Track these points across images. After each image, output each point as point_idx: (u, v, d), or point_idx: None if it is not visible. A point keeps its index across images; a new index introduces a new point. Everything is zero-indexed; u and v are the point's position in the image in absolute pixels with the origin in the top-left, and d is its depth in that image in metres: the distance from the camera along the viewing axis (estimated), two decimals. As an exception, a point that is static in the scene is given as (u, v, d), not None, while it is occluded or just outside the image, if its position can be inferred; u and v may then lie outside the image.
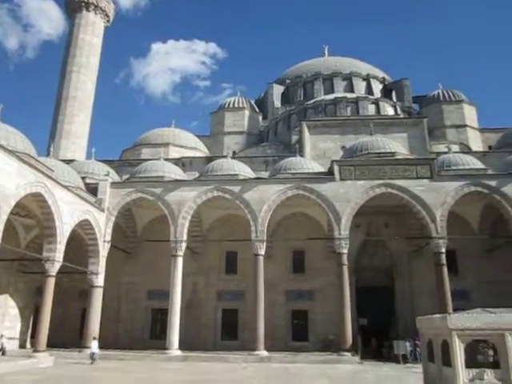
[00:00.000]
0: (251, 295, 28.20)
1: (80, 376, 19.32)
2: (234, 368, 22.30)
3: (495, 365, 11.47)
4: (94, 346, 24.02)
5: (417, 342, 24.04)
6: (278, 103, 52.72)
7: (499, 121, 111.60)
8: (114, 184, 30.27)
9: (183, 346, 27.34)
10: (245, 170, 31.83)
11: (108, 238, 29.07)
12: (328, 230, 30.30)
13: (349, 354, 25.59)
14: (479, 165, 30.65)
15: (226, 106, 51.55)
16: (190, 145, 44.69)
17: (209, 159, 38.09)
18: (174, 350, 26.43)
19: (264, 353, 25.99)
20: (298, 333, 30.97)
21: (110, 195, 29.41)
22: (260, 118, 51.97)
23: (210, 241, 32.25)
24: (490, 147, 44.35)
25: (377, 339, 28.75)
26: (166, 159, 35.61)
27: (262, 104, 54.62)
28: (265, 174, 33.32)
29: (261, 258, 27.69)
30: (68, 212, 24.84)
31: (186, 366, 23.23)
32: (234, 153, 43.96)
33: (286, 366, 23.57)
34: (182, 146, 43.54)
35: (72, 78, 53.78)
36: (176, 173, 32.63)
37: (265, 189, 28.63)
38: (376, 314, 30.23)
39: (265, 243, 27.94)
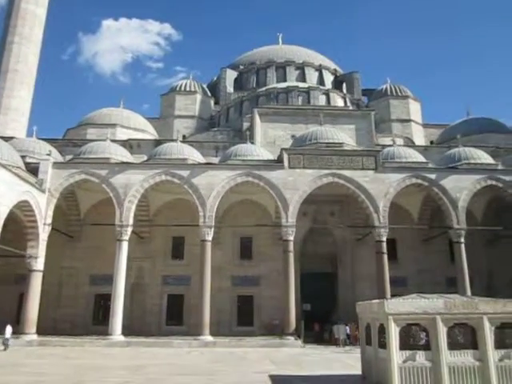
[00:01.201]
0: (197, 280, 28.16)
1: (12, 363, 18.52)
2: (178, 353, 22.25)
3: (427, 347, 12.17)
4: (8, 331, 23.13)
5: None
6: (230, 89, 52.34)
7: (441, 117, 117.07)
8: (56, 164, 28.94)
9: (127, 331, 26.94)
10: (194, 155, 31.47)
11: (49, 220, 27.84)
12: (276, 217, 30.72)
13: (292, 338, 26.27)
14: (421, 158, 32.07)
15: (178, 88, 50.51)
16: (139, 127, 43.51)
17: (158, 142, 37.29)
18: (117, 336, 25.96)
19: (209, 338, 26.14)
20: (244, 318, 31.38)
21: (51, 176, 28.10)
22: (212, 102, 51.43)
23: (157, 225, 31.74)
24: (431, 142, 46.57)
25: (319, 324, 29.65)
26: (113, 140, 34.47)
27: (215, 89, 54.04)
28: (215, 160, 33.15)
29: (208, 244, 27.66)
30: (5, 192, 23.50)
31: (129, 352, 22.90)
32: (184, 137, 43.32)
33: (231, 350, 23.83)
34: (130, 128, 42.31)
35: (13, 50, 50.41)
36: (123, 155, 31.72)
37: (214, 174, 28.49)
38: (320, 300, 31.21)
39: (213, 229, 27.90)
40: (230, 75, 53.36)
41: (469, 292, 26.70)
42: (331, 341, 27.33)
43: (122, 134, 40.40)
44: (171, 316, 31.47)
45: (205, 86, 53.84)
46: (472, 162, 31.31)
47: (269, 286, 31.33)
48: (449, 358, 11.96)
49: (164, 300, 31.82)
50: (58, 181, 28.14)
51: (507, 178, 29.84)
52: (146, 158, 32.41)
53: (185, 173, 28.43)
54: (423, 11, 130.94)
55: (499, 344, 12.30)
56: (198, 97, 49.98)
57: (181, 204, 31.16)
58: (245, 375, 15.11)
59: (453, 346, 12.16)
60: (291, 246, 28.00)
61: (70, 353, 21.84)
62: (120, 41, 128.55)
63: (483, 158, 32.07)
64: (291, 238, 27.98)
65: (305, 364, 18.58)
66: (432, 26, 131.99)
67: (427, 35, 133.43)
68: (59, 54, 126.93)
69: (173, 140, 34.97)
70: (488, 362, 12.03)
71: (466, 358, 12.11)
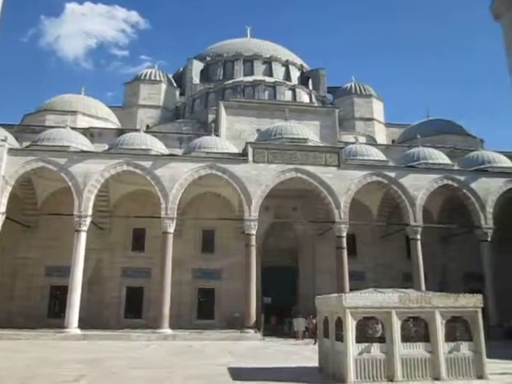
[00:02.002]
0: (158, 273, 27.85)
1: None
2: (136, 346, 21.96)
3: (381, 339, 12.57)
4: None
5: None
6: (196, 80, 51.76)
7: (403, 117, 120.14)
8: (12, 151, 27.73)
9: (84, 324, 26.30)
10: (158, 146, 30.98)
11: (2, 209, 26.69)
12: (239, 210, 30.76)
13: (252, 331, 26.48)
14: (382, 157, 32.87)
15: (142, 77, 49.46)
16: (101, 115, 42.39)
17: (120, 131, 36.49)
18: (73, 329, 25.32)
19: (168, 331, 25.95)
20: (204, 311, 31.36)
21: (6, 163, 26.90)
22: (177, 93, 50.69)
23: (117, 216, 31.11)
24: (393, 141, 47.82)
25: (279, 317, 29.97)
26: (73, 128, 33.45)
27: (181, 79, 53.27)
28: (179, 151, 32.76)
29: (170, 236, 27.38)
30: (-45, 178, 22.35)
31: (86, 345, 22.42)
32: (147, 127, 42.51)
33: (191, 343, 23.77)
34: (91, 116, 41.17)
35: (-34, 29, 47.92)
36: (83, 143, 30.80)
37: (178, 166, 28.17)
38: (280, 293, 31.58)
39: (175, 221, 27.62)
40: (197, 66, 52.73)
41: (423, 287, 27.70)
42: (291, 334, 27.73)
43: (83, 122, 39.26)
44: (130, 309, 31.02)
45: (170, 76, 52.94)
46: (430, 161, 32.38)
47: (230, 280, 31.40)
48: (402, 350, 12.39)
49: (123, 292, 31.31)
50: (14, 168, 27.01)
51: (462, 178, 31.08)
52: (107, 147, 31.62)
53: (147, 164, 27.95)
54: (392, 11, 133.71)
55: (449, 337, 12.86)
56: (163, 86, 49.15)
57: (143, 195, 30.67)
58: (204, 368, 15.11)
59: (406, 338, 12.61)
60: (253, 240, 28.13)
61: (24, 346, 21.15)
62: (84, 26, 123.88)
63: (441, 158, 33.23)
64: (253, 231, 28.11)
65: (264, 356, 18.78)
66: (396, 26, 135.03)
67: (392, 35, 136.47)
68: (19, 36, 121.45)
69: (136, 130, 34.30)
70: (438, 353, 12.55)
71: (418, 350, 12.58)
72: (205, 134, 34.87)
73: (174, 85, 51.24)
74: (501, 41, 53.14)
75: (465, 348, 12.88)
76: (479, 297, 13.40)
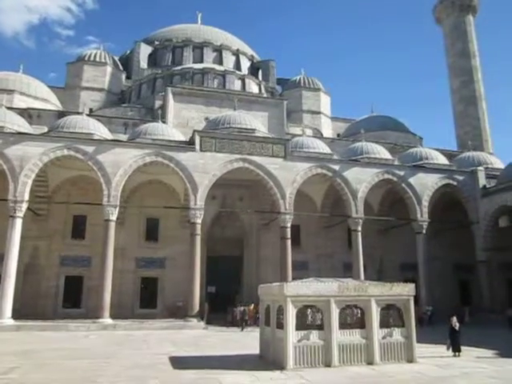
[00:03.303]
0: (99, 262, 27.04)
1: None
2: (74, 337, 21.30)
3: (320, 327, 13.00)
4: None
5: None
6: (144, 64, 50.28)
7: (348, 112, 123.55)
8: None
9: (19, 315, 25.06)
10: (101, 130, 29.89)
11: None
12: (184, 199, 30.43)
13: (195, 320, 26.42)
14: (327, 150, 33.65)
15: (87, 58, 47.29)
16: (41, 96, 40.25)
17: (61, 114, 34.82)
18: (7, 320, 24.04)
19: (109, 320, 25.32)
20: (147, 300, 30.87)
21: None
22: (123, 76, 49.01)
23: (57, 203, 29.73)
24: (338, 135, 49.06)
25: (210, 305, 29.50)
26: (10, 108, 31.55)
27: (127, 63, 51.54)
28: (123, 137, 31.78)
29: (112, 224, 26.61)
30: None
31: (20, 336, 21.41)
32: (90, 110, 40.84)
33: (132, 333, 23.37)
34: (30, 96, 39.00)
35: None
36: (20, 124, 29.12)
37: (122, 152, 27.32)
38: (225, 282, 31.71)
39: (117, 209, 26.87)
40: (145, 50, 51.17)
41: (362, 276, 28.82)
42: (234, 322, 27.96)
43: (21, 102, 37.11)
44: (69, 298, 29.90)
45: (117, 58, 51.06)
46: (372, 156, 33.57)
47: (174, 269, 31.08)
48: (339, 336, 12.90)
49: (61, 281, 30.09)
50: None
51: (401, 173, 32.50)
52: (46, 130, 30.08)
53: (90, 148, 26.88)
54: (347, 12, 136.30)
55: (383, 324, 13.54)
56: (109, 69, 47.33)
57: (84, 181, 29.58)
58: (144, 357, 14.93)
59: (343, 325, 13.14)
60: (199, 229, 27.96)
61: (-51, 338, 19.89)
62: (26, 0, 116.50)
63: (382, 153, 34.54)
64: (199, 220, 27.94)
65: (206, 345, 18.85)
66: (346, 23, 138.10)
67: (341, 31, 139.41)
68: None
69: (78, 113, 32.91)
70: (373, 339, 13.19)
71: (354, 336, 13.16)
72: (151, 121, 34.09)
73: (121, 68, 49.49)
74: (441, 43, 56.00)
75: (397, 334, 13.63)
76: (412, 286, 14.20)
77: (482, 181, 33.94)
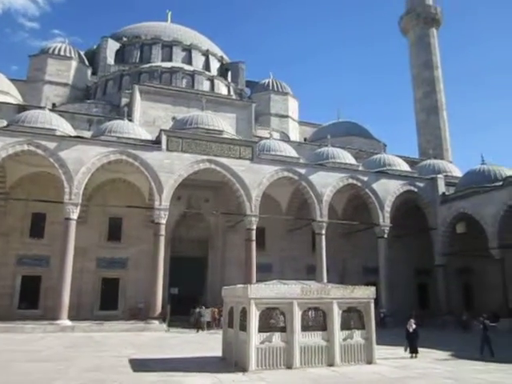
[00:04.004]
0: (58, 261, 26.22)
1: None
2: (30, 339, 20.53)
3: (283, 329, 13.07)
4: None
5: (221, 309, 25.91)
6: (111, 60, 49.27)
7: (316, 117, 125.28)
8: None
9: (-31, 315, 24.01)
10: (64, 126, 29.05)
11: None
12: (149, 199, 29.96)
13: (157, 321, 26.02)
14: (294, 153, 33.96)
15: (51, 51, 45.89)
16: (1, 88, 38.68)
17: (22, 108, 33.64)
18: (-44, 321, 22.99)
19: (67, 322, 24.57)
20: (107, 301, 30.13)
21: None
22: (89, 72, 47.88)
23: (15, 199, 28.60)
24: (305, 139, 49.64)
25: (170, 306, 29.22)
26: (-34, 100, 30.19)
27: (94, 58, 50.38)
28: (87, 134, 31.00)
29: (73, 223, 25.86)
30: None
31: (-30, 338, 20.47)
32: (53, 105, 39.73)
33: (91, 335, 22.78)
34: (-12, 88, 37.43)
35: None
36: (-23, 117, 27.93)
37: (85, 149, 26.61)
38: (189, 284, 31.38)
39: (79, 207, 26.14)
40: (112, 46, 50.14)
41: (325, 279, 29.21)
42: (196, 324, 27.69)
43: (-21, 94, 35.58)
44: (25, 299, 28.80)
45: (83, 53, 49.82)
46: (338, 161, 34.13)
47: (137, 269, 30.55)
48: (301, 338, 13.01)
49: (18, 281, 28.95)
50: None
51: (365, 179, 33.22)
52: (6, 123, 28.94)
53: (51, 144, 26.05)
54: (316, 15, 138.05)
55: (344, 326, 13.76)
56: (74, 63, 46.10)
57: (45, 178, 28.62)
58: (103, 360, 14.57)
59: (306, 328, 13.26)
60: (163, 230, 27.59)
61: None
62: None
63: (347, 158, 35.18)
64: (163, 221, 27.57)
65: (167, 347, 18.60)
66: (313, 30, 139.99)
67: (309, 36, 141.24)
68: None
69: (40, 107, 31.86)
70: (334, 341, 13.37)
71: (316, 338, 13.30)
72: (117, 118, 33.41)
73: (86, 63, 48.31)
74: (407, 54, 57.62)
75: (358, 336, 13.88)
76: (372, 289, 14.50)
77: (442, 188, 35.13)
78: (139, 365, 13.45)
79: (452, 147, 52.48)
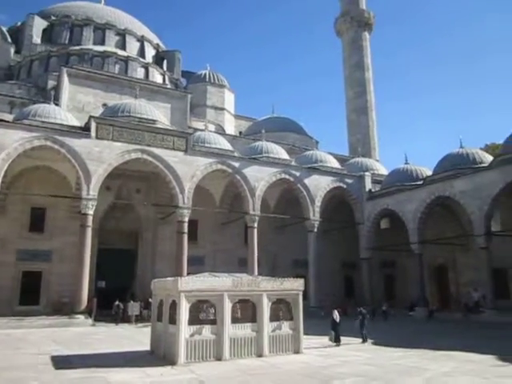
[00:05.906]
0: (-28, 253, 24.32)
1: None
2: None
3: (213, 321, 13.11)
4: None
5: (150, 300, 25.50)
6: (37, 39, 46.24)
7: (252, 111, 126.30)
8: None
9: None
10: (-18, 108, 26.91)
11: None
12: (76, 188, 28.56)
13: (82, 316, 25.00)
14: (229, 146, 33.99)
15: (-33, 25, 42.21)
16: None
17: None
18: None
19: (-19, 318, 22.90)
20: (28, 296, 28.35)
21: None
22: (12, 50, 44.68)
23: None
24: (240, 132, 49.81)
25: (97, 300, 28.28)
26: None
27: (18, 35, 46.99)
28: (9, 117, 28.89)
29: (-10, 212, 24.09)
30: None
31: None
32: (-30, 84, 36.64)
33: (9, 331, 21.36)
34: None
35: None
36: None
37: (6, 133, 24.73)
38: (117, 277, 30.40)
39: (-2, 195, 24.39)
40: (39, 24, 47.05)
41: (256, 272, 29.61)
42: (124, 318, 26.99)
43: None
44: None
45: (5, 29, 46.27)
46: (271, 155, 34.67)
47: (62, 262, 29.07)
48: (231, 330, 13.13)
49: None
50: None
51: (298, 174, 34.04)
52: None
53: (-34, 127, 24.03)
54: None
55: (273, 317, 14.07)
56: (-6, 40, 42.76)
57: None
58: (22, 358, 13.77)
59: (236, 320, 13.40)
60: (90, 221, 26.47)
61: None
62: None
63: (281, 153, 35.83)
64: (91, 212, 26.45)
65: (93, 342, 17.95)
66: (254, 23, 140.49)
67: (248, 29, 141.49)
68: None
69: (-46, 85, 29.23)
70: (263, 333, 13.64)
71: (245, 330, 13.48)
72: (43, 102, 31.56)
73: (9, 40, 45.00)
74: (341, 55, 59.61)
75: (286, 327, 14.26)
76: (301, 281, 14.95)
77: (368, 185, 36.90)
78: (62, 362, 12.88)
79: (379, 146, 55.25)
